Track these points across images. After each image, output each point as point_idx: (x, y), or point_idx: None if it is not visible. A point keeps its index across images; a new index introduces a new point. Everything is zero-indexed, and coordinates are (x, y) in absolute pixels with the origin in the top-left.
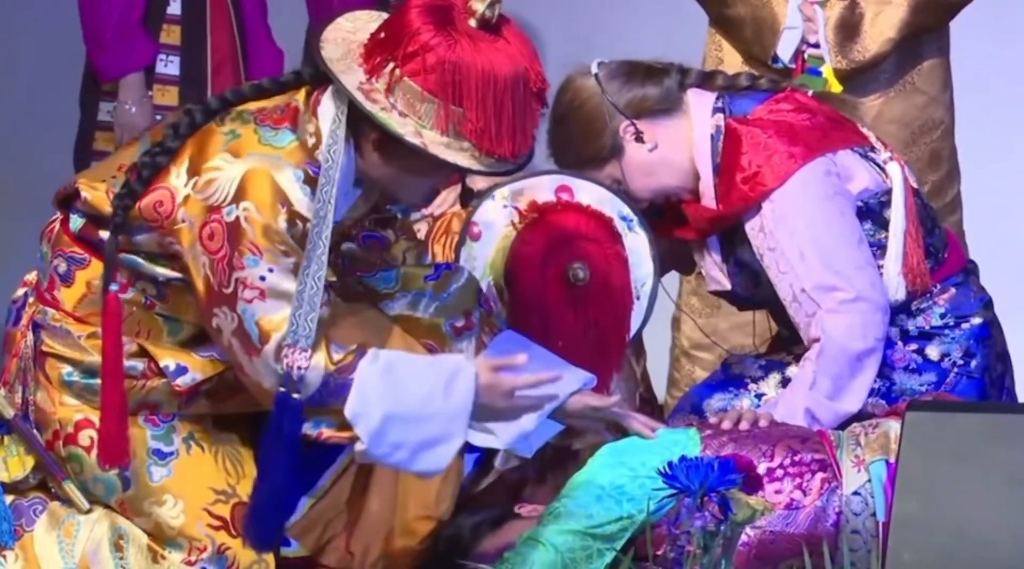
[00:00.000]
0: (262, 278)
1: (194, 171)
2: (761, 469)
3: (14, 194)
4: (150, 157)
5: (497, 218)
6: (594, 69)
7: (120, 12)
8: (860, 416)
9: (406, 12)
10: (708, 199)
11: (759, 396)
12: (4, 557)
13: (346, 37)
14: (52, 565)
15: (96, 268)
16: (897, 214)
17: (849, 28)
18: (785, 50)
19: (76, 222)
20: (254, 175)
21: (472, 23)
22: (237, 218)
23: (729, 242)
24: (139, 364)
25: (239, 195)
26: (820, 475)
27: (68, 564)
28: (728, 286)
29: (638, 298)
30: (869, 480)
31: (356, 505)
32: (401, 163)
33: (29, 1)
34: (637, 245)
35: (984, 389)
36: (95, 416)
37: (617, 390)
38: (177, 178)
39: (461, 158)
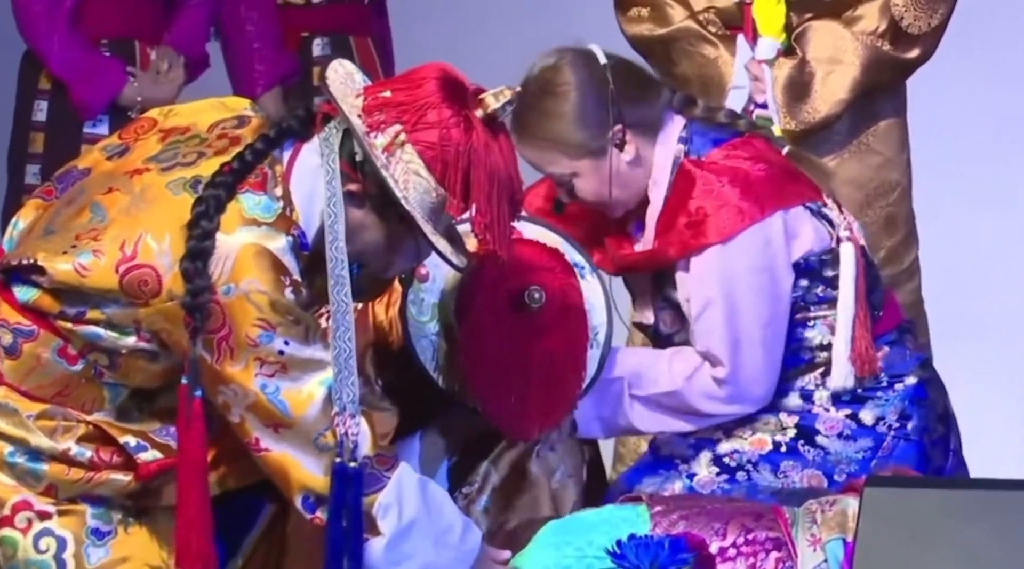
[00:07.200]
0: (280, 352)
1: (179, 248)
2: (713, 548)
3: None
4: (197, 241)
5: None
6: (602, 59)
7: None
8: (816, 493)
9: (423, 80)
10: (648, 229)
11: (691, 477)
12: None
13: (343, 83)
14: None
15: (46, 339)
16: (846, 300)
17: (799, 88)
18: None
19: (26, 293)
20: (249, 251)
21: (479, 114)
22: (239, 297)
23: (659, 277)
24: (87, 451)
25: (237, 273)
26: (775, 554)
27: None
28: (651, 320)
29: (591, 347)
30: (825, 560)
31: None
32: (370, 222)
33: None
34: (590, 293)
35: (924, 451)
36: (34, 498)
37: (563, 436)
38: (161, 256)
39: (440, 243)
